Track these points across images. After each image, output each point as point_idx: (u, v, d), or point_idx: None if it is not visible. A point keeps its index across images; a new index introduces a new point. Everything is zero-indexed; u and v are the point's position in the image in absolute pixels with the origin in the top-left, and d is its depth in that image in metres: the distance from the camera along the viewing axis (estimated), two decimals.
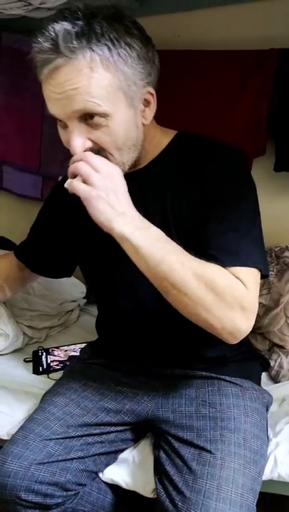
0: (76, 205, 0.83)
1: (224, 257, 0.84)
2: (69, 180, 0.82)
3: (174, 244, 0.83)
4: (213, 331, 0.83)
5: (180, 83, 1.53)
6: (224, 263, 0.83)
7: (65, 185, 0.82)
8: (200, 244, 0.86)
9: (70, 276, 1.26)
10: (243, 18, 1.52)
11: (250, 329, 0.85)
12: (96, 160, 0.81)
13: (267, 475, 1.01)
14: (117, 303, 1.06)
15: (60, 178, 1.19)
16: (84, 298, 1.78)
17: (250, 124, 1.55)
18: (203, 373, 1.05)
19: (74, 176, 0.82)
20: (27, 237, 1.20)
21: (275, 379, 1.35)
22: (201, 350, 1.03)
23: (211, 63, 1.55)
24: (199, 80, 1.57)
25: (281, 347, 1.44)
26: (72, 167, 0.82)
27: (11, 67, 1.78)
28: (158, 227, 0.84)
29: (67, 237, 1.10)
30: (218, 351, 1.04)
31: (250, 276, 0.85)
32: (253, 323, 0.85)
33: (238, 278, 0.83)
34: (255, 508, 0.88)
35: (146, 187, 0.96)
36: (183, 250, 0.82)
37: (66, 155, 1.77)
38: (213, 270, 0.82)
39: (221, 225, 0.87)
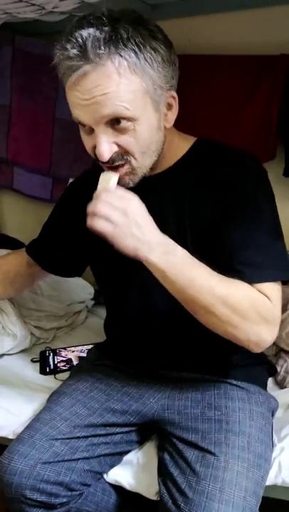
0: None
1: (249, 273, 0.86)
2: (91, 221, 0.79)
3: (200, 265, 0.84)
4: (239, 343, 0.87)
5: (191, 88, 1.52)
6: (250, 280, 0.85)
7: (88, 225, 0.80)
8: (223, 256, 0.88)
9: (80, 276, 1.27)
10: (255, 23, 1.52)
11: (274, 339, 0.88)
12: (112, 198, 0.79)
13: (271, 480, 1.00)
14: (128, 305, 1.06)
15: (70, 180, 1.20)
16: (92, 299, 1.79)
17: (260, 128, 1.55)
18: (210, 377, 1.05)
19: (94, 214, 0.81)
20: (39, 235, 1.22)
21: (281, 384, 1.34)
22: (210, 354, 1.04)
23: (222, 68, 1.56)
24: (210, 84, 1.57)
25: (288, 352, 1.44)
26: (91, 209, 0.79)
27: (24, 70, 1.80)
28: (174, 232, 0.85)
29: (78, 238, 1.11)
30: (227, 355, 1.04)
31: (275, 289, 0.88)
32: (277, 332, 0.88)
33: (263, 293, 0.85)
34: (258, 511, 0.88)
35: (164, 192, 0.96)
36: (209, 270, 0.84)
37: (75, 157, 1.79)
38: (239, 289, 0.84)
39: (244, 236, 0.88)
